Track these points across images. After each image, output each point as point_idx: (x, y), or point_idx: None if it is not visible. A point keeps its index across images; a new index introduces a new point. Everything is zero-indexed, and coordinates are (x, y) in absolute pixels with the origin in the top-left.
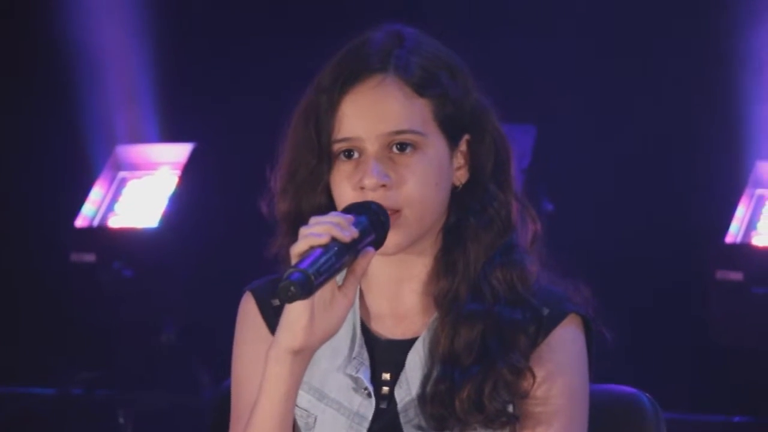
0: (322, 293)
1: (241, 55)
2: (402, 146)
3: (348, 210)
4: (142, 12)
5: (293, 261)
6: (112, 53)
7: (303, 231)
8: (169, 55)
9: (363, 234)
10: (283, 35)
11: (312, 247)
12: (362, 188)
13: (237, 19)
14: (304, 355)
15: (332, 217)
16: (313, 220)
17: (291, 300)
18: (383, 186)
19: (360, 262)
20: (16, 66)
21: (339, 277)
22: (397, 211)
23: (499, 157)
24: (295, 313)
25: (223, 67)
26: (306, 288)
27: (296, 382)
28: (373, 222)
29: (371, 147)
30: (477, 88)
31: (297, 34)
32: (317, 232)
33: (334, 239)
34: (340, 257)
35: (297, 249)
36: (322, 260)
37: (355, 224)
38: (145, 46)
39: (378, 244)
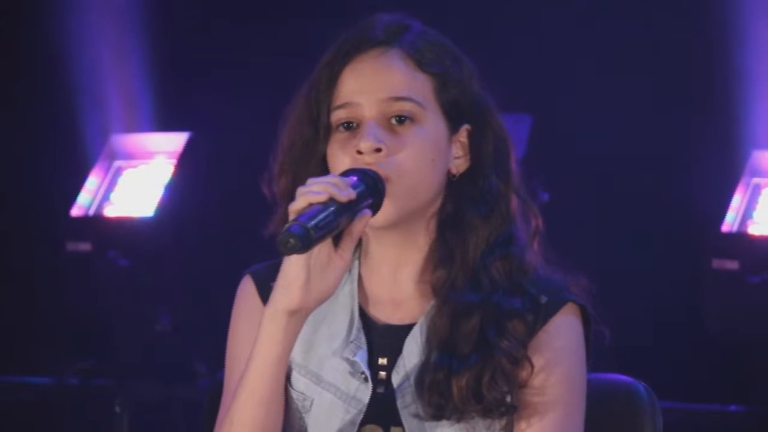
0: (319, 254)
1: (237, 43)
2: (401, 119)
3: (346, 174)
4: (136, 1)
5: (291, 217)
6: (107, 42)
7: (301, 190)
8: (165, 44)
9: (360, 197)
10: (279, 23)
11: (310, 205)
12: (359, 152)
13: (233, 8)
14: (299, 316)
15: (330, 178)
16: (311, 180)
17: (290, 252)
18: (378, 150)
19: (357, 224)
20: (10, 55)
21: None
22: (388, 180)
23: (499, 152)
24: (292, 273)
25: (218, 56)
26: (305, 240)
27: (290, 343)
28: (371, 188)
29: (369, 113)
30: (481, 84)
31: (294, 23)
32: (316, 190)
33: (332, 199)
34: (337, 216)
35: (295, 206)
36: (321, 216)
37: (353, 187)
38: (140, 35)
39: (374, 209)
